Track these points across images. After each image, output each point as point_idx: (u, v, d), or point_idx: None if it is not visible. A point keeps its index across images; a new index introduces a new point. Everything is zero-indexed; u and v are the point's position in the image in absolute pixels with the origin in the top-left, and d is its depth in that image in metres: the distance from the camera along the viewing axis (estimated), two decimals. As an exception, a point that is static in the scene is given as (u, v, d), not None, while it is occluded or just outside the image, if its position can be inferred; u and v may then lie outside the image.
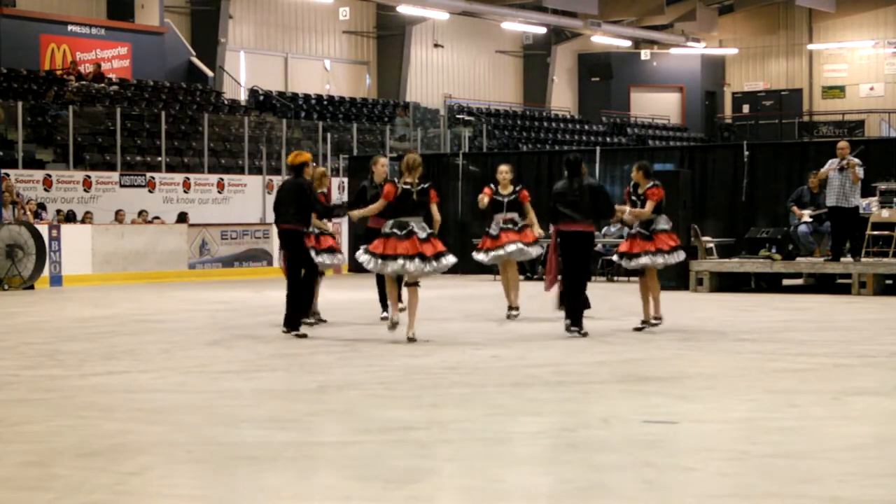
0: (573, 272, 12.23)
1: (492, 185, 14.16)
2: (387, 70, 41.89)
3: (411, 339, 11.66)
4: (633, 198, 12.84)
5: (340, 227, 24.15)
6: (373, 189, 13.95)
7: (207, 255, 24.67)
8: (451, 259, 11.89)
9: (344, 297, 17.87)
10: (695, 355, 10.98)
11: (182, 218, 25.51)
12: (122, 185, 25.83)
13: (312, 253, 12.86)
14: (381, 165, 14.25)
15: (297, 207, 12.28)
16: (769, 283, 19.81)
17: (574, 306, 12.18)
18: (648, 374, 9.75)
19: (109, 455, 6.53)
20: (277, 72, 39.13)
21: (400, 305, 12.08)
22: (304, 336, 12.12)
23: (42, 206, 23.84)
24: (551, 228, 12.54)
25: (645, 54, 48.92)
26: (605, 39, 46.00)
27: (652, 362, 10.43)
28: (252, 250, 25.40)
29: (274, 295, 19.44)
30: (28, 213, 22.31)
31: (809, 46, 49.59)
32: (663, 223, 12.80)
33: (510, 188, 14.03)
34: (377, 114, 37.65)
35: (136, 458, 6.47)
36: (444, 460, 6.39)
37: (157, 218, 25.44)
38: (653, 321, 12.77)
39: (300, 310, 12.35)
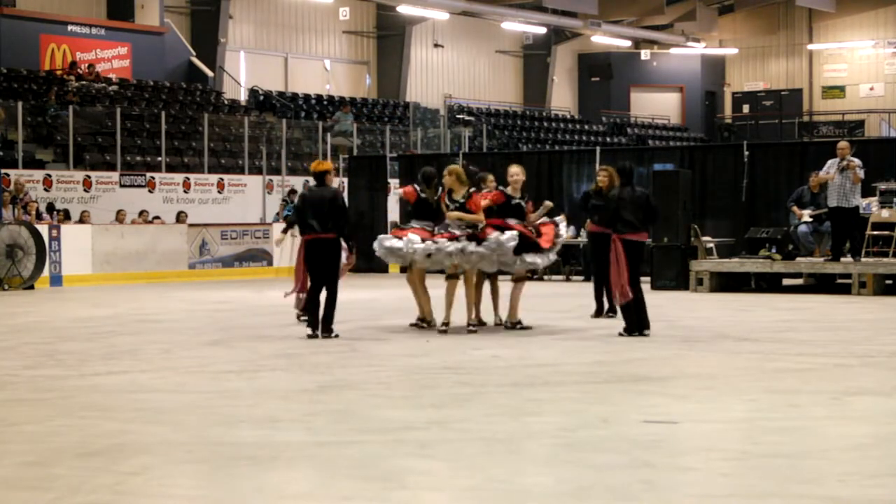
0: (637, 279, 12.22)
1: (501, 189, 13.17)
2: (387, 70, 41.87)
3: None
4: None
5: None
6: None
7: (207, 255, 24.67)
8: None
9: (343, 297, 17.83)
10: (695, 355, 10.98)
11: (178, 217, 25.56)
12: (122, 185, 25.82)
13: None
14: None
15: (329, 217, 12.12)
16: (769, 283, 19.81)
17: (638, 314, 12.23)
18: (648, 374, 9.75)
19: (109, 455, 6.53)
20: (277, 72, 39.11)
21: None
22: (315, 336, 12.14)
23: (52, 207, 23.84)
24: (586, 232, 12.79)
25: (645, 54, 48.89)
26: (605, 39, 45.97)
27: (652, 362, 10.43)
28: (252, 250, 25.41)
29: (274, 295, 19.45)
30: (30, 214, 22.32)
31: (809, 46, 49.57)
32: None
33: (519, 193, 13.04)
34: (377, 114, 37.64)
35: (136, 458, 6.47)
36: (444, 460, 6.39)
37: (156, 218, 25.42)
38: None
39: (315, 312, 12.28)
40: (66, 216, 23.82)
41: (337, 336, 12.20)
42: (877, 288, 17.88)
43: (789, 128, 44.60)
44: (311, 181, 12.85)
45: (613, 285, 12.18)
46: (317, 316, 12.22)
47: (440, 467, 6.22)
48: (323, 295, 12.32)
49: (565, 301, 17.08)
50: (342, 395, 8.70)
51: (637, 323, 12.21)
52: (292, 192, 27.25)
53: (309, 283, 12.33)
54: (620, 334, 12.23)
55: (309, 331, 12.26)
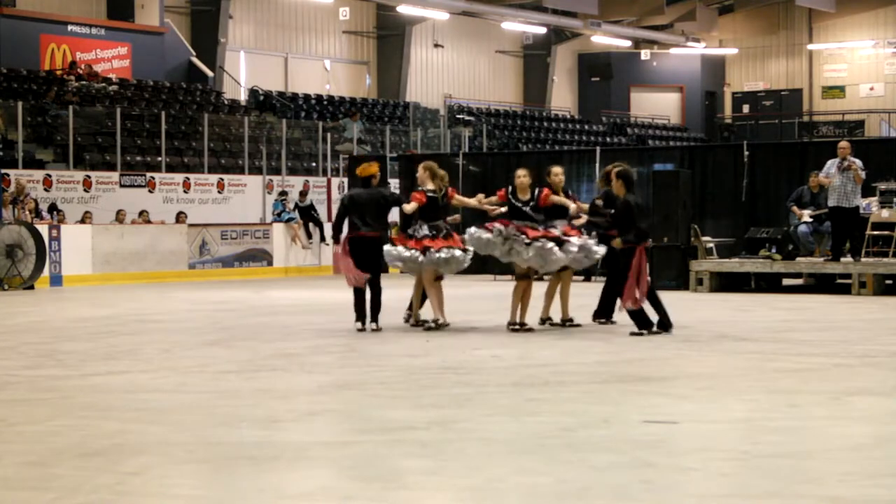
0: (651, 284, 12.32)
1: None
2: (387, 70, 41.88)
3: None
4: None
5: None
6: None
7: (207, 255, 24.66)
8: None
9: (344, 296, 17.84)
10: (695, 355, 10.97)
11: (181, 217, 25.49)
12: (122, 185, 25.82)
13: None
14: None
15: (377, 216, 12.74)
16: (769, 283, 19.81)
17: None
18: (648, 374, 9.75)
19: (109, 455, 6.53)
20: (277, 72, 39.12)
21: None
22: (364, 330, 12.63)
23: (54, 207, 23.81)
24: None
25: (645, 54, 48.90)
26: (605, 39, 45.99)
27: (652, 362, 10.43)
28: (252, 250, 25.40)
29: (274, 295, 19.48)
30: (28, 213, 22.32)
31: (809, 46, 49.57)
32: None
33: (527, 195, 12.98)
34: (377, 114, 37.64)
35: (136, 458, 6.47)
36: (444, 460, 6.38)
37: (145, 216, 25.34)
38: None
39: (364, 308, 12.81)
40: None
41: (381, 329, 12.67)
42: (877, 288, 17.87)
43: (789, 128, 44.60)
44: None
45: (627, 296, 11.95)
46: (364, 310, 12.80)
47: (440, 467, 6.21)
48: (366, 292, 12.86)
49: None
50: (342, 395, 8.70)
51: (661, 321, 12.26)
52: (282, 193, 27.30)
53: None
54: (634, 334, 12.18)
55: (359, 325, 12.75)
